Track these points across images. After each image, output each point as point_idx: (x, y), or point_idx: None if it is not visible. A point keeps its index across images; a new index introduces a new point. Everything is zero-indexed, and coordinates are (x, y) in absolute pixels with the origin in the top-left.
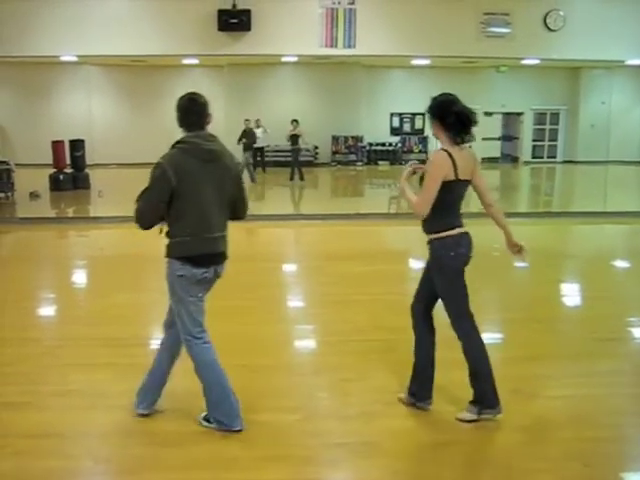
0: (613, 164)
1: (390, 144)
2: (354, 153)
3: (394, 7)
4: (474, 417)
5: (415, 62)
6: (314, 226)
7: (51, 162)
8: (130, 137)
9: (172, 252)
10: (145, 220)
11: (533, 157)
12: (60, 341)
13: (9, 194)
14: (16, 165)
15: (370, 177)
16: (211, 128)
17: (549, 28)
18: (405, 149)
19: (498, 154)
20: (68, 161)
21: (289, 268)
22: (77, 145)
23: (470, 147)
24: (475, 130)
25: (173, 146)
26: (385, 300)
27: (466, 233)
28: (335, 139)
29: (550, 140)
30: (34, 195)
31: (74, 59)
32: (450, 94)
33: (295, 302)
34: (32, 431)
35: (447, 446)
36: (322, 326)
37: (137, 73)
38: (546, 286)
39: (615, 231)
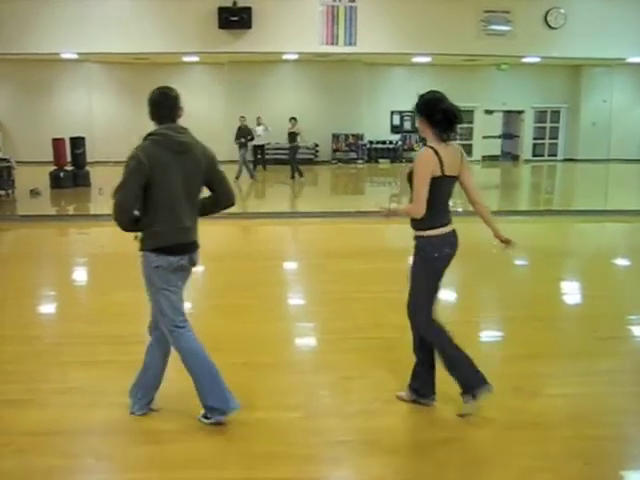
0: (614, 162)
1: (391, 142)
2: (355, 151)
3: (395, 5)
4: (474, 404)
5: (416, 60)
6: (314, 224)
7: (52, 159)
8: (131, 135)
9: (146, 245)
10: (123, 211)
11: (534, 155)
12: (61, 339)
13: (10, 191)
14: (17, 162)
15: (371, 175)
16: (212, 125)
17: (550, 26)
18: (406, 147)
19: (499, 152)
20: (69, 158)
21: (289, 266)
22: (78, 142)
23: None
24: (476, 128)
25: (145, 138)
26: (385, 298)
27: (453, 231)
28: (336, 137)
29: (551, 138)
30: (35, 192)
31: (75, 57)
32: (437, 92)
33: (295, 300)
34: (34, 429)
35: (447, 444)
36: (322, 324)
37: (138, 71)
38: (547, 284)
39: (616, 229)
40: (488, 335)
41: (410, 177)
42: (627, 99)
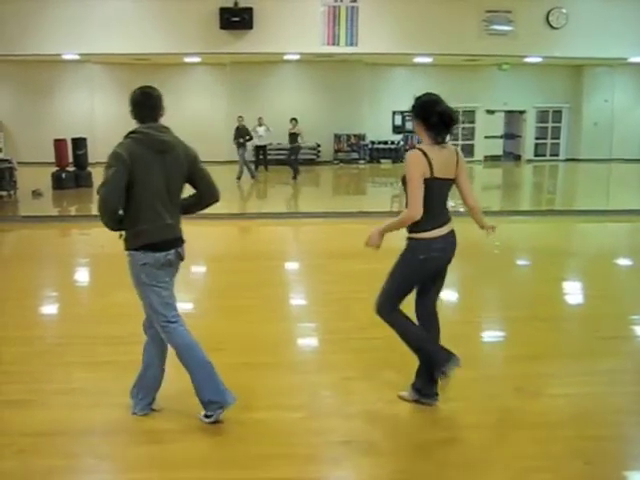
0: (616, 162)
1: (392, 142)
2: (356, 151)
3: (396, 5)
4: (445, 381)
5: (417, 60)
6: (316, 224)
7: (53, 160)
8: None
9: (131, 244)
10: (109, 208)
11: (535, 155)
12: (63, 339)
13: (12, 192)
14: (18, 163)
15: (372, 175)
16: (214, 126)
17: (551, 26)
18: (407, 147)
19: (500, 152)
20: (70, 159)
21: (291, 266)
22: (79, 143)
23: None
24: (478, 128)
25: (126, 136)
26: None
27: (444, 236)
28: (337, 137)
29: (553, 138)
30: (36, 193)
31: (76, 57)
32: (433, 94)
33: (297, 300)
34: (35, 429)
35: (449, 444)
36: (324, 324)
37: (139, 71)
38: (549, 284)
39: (618, 229)
40: (490, 335)
41: (404, 181)
42: (629, 99)
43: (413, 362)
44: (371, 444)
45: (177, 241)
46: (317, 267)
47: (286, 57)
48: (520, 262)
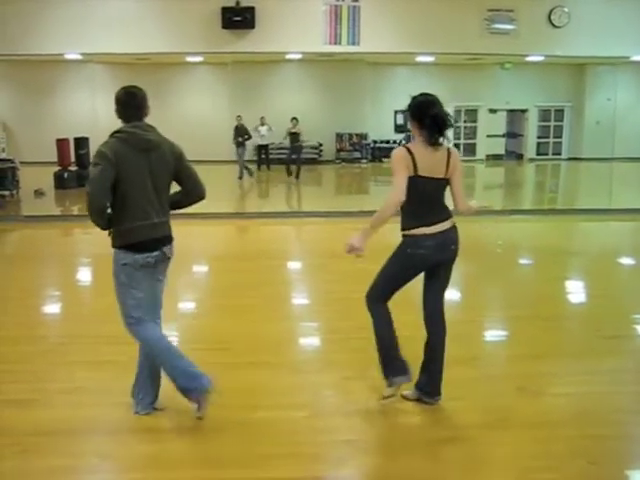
0: (618, 161)
1: (394, 141)
2: (358, 150)
3: (398, 4)
4: (390, 390)
5: (419, 59)
6: (318, 224)
7: (56, 160)
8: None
9: (115, 242)
10: (95, 202)
11: (538, 154)
12: (66, 338)
13: (14, 192)
14: (21, 163)
15: (374, 174)
16: (216, 125)
17: (554, 25)
18: None
19: (502, 151)
20: (73, 159)
21: (293, 266)
22: (81, 143)
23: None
24: (480, 127)
25: (111, 136)
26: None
27: (433, 234)
28: (339, 136)
29: (555, 137)
30: (39, 193)
31: (78, 57)
32: (429, 95)
33: (299, 300)
34: (38, 428)
35: (452, 443)
36: (326, 323)
37: (141, 71)
38: (551, 283)
39: (620, 228)
40: (492, 334)
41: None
42: (631, 97)
43: (415, 362)
44: (374, 443)
45: (164, 240)
46: (319, 266)
47: (288, 56)
48: (522, 261)
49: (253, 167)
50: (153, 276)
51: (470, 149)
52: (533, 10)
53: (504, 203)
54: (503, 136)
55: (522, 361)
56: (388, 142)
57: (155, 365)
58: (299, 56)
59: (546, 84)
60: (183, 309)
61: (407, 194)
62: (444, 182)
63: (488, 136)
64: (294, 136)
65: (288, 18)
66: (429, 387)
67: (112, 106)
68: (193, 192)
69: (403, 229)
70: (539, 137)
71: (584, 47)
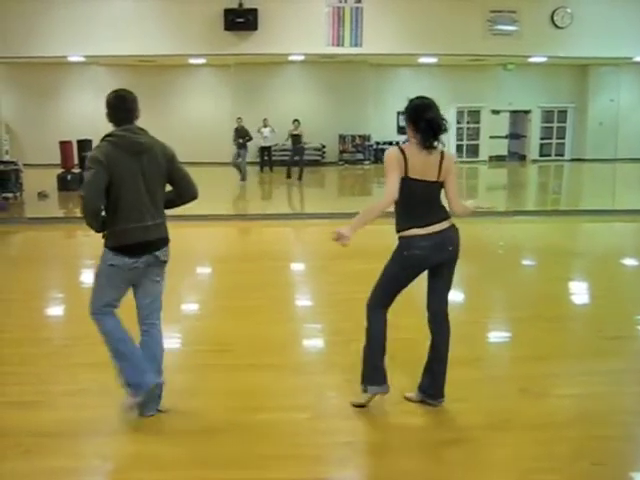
0: (621, 162)
1: (397, 143)
2: (361, 152)
3: (401, 5)
4: (364, 396)
5: (422, 60)
6: (321, 225)
7: (59, 162)
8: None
9: (107, 242)
10: (89, 206)
11: (541, 155)
12: (69, 340)
13: (17, 194)
14: (24, 165)
15: (377, 176)
16: (218, 127)
17: (556, 26)
18: None
19: (505, 152)
20: (76, 161)
21: (296, 267)
22: (85, 145)
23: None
24: (483, 128)
25: (102, 139)
26: (398, 299)
27: (428, 235)
28: (342, 138)
29: (558, 138)
30: (42, 195)
31: (81, 59)
32: (426, 98)
33: (302, 301)
34: (42, 430)
35: (454, 444)
36: (329, 325)
37: (144, 73)
38: (554, 284)
39: (623, 229)
40: (495, 336)
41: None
42: (634, 98)
43: (419, 363)
44: (377, 445)
45: (155, 243)
46: (322, 268)
47: (290, 58)
48: (525, 262)
49: (255, 169)
50: (149, 277)
51: (473, 150)
52: (536, 11)
53: (507, 204)
54: (506, 137)
55: (525, 362)
56: (391, 143)
57: (153, 368)
58: (302, 58)
59: (549, 85)
60: (186, 310)
61: (399, 195)
62: (437, 185)
63: (491, 137)
64: (296, 138)
65: (291, 20)
66: (432, 389)
67: None
68: (186, 193)
69: (397, 231)
70: (542, 138)
71: (587, 48)
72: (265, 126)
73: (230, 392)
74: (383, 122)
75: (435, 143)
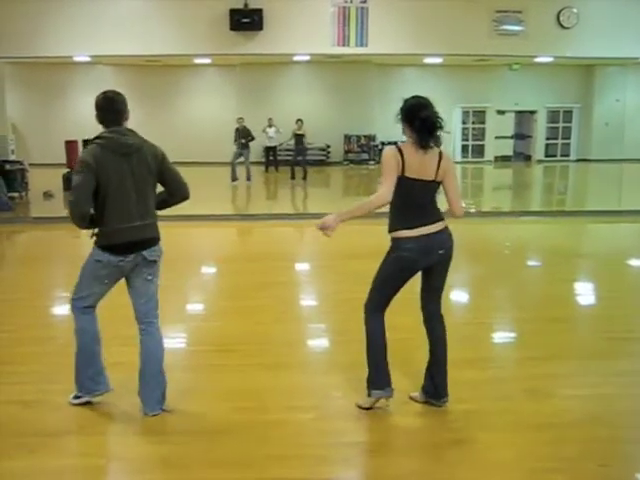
0: (628, 162)
1: (403, 142)
2: (366, 152)
3: (406, 5)
4: (368, 400)
5: (427, 60)
6: None
7: (64, 162)
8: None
9: (98, 241)
10: (77, 209)
11: (546, 156)
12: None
13: (23, 194)
14: (30, 165)
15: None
16: (223, 127)
17: (562, 26)
18: None
19: (511, 152)
20: None
21: (301, 267)
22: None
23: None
24: (488, 129)
25: (91, 142)
26: (395, 299)
27: (417, 237)
28: (347, 138)
29: (563, 138)
30: (48, 195)
31: (87, 59)
32: (421, 98)
33: (307, 301)
34: (47, 429)
35: (460, 445)
36: (334, 325)
37: (150, 73)
38: (560, 285)
39: (630, 230)
40: (501, 336)
41: None
42: None
43: (419, 363)
44: (381, 445)
45: (145, 242)
46: (327, 267)
47: (296, 58)
48: (531, 263)
49: (260, 169)
50: (141, 276)
51: (478, 150)
52: (542, 11)
53: (512, 204)
54: (511, 137)
55: (530, 363)
56: (396, 143)
57: (152, 368)
58: (307, 58)
59: (555, 85)
60: (191, 310)
61: (395, 194)
62: (434, 185)
63: (496, 137)
64: (299, 138)
65: (296, 20)
66: (435, 390)
67: None
68: (177, 193)
69: (389, 231)
70: (548, 138)
71: (593, 48)
72: (270, 126)
73: (235, 392)
74: (388, 122)
75: (432, 142)
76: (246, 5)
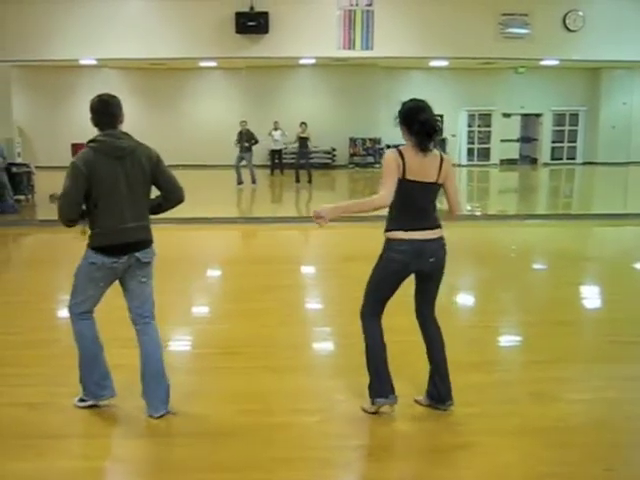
0: (634, 165)
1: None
2: (372, 155)
3: (412, 9)
4: (371, 407)
5: (433, 63)
6: (330, 228)
7: None
8: (149, 139)
9: (91, 242)
10: (64, 215)
11: (552, 159)
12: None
13: (29, 196)
14: (36, 168)
15: None
16: (229, 130)
17: (568, 29)
18: None
19: (517, 156)
20: None
21: (305, 270)
22: None
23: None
24: (494, 132)
25: (86, 145)
26: (400, 302)
27: (411, 241)
28: (353, 141)
29: (569, 141)
30: (54, 197)
31: (93, 62)
32: (420, 100)
33: (312, 304)
34: (53, 432)
35: (464, 449)
36: (339, 328)
37: (155, 76)
38: (566, 288)
39: (636, 233)
40: (506, 340)
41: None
42: None
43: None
44: (386, 448)
45: (133, 246)
46: (332, 270)
47: (302, 61)
48: (536, 266)
49: (266, 172)
50: (135, 278)
51: (484, 154)
52: (547, 14)
53: (518, 208)
54: (517, 141)
55: (536, 366)
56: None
57: (154, 367)
58: (313, 61)
59: (561, 88)
60: (195, 313)
61: (395, 197)
62: (435, 187)
63: (502, 141)
64: (303, 141)
65: (302, 23)
66: (438, 394)
67: (126, 110)
68: (172, 196)
69: (385, 230)
70: (553, 141)
71: (599, 51)
72: (276, 129)
73: (240, 395)
74: (394, 125)
75: (431, 145)
76: (252, 8)
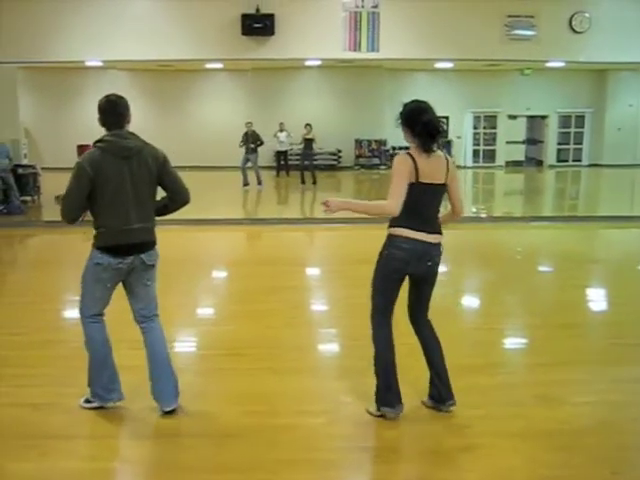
0: None
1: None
2: (377, 157)
3: (417, 10)
4: (376, 413)
5: (439, 65)
6: (335, 230)
7: None
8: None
9: (96, 242)
10: (66, 214)
11: (558, 161)
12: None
13: (35, 197)
14: (42, 169)
15: None
16: (235, 132)
17: (574, 30)
18: None
19: (522, 158)
20: None
21: (311, 271)
22: None
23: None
24: (500, 133)
25: (93, 145)
26: (405, 304)
27: (415, 240)
28: (358, 143)
29: (575, 143)
30: (60, 199)
31: (99, 64)
32: (422, 102)
33: (317, 305)
34: (58, 432)
35: (469, 451)
36: (344, 329)
37: (161, 77)
38: (571, 290)
39: None
40: (512, 342)
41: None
42: None
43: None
44: (391, 450)
45: (138, 247)
46: (337, 272)
47: (307, 63)
48: (542, 268)
49: (271, 173)
50: (139, 281)
51: (489, 155)
52: (554, 16)
53: (524, 210)
54: (523, 142)
55: (541, 369)
56: (407, 148)
57: (160, 366)
58: (318, 63)
59: (567, 90)
60: (201, 314)
61: (406, 200)
62: (443, 188)
63: (508, 142)
64: (307, 142)
65: (307, 25)
66: (439, 394)
67: (132, 111)
68: (177, 197)
69: (389, 226)
70: (559, 143)
71: (606, 53)
72: (281, 130)
73: (245, 396)
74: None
75: (434, 146)
76: (258, 10)
